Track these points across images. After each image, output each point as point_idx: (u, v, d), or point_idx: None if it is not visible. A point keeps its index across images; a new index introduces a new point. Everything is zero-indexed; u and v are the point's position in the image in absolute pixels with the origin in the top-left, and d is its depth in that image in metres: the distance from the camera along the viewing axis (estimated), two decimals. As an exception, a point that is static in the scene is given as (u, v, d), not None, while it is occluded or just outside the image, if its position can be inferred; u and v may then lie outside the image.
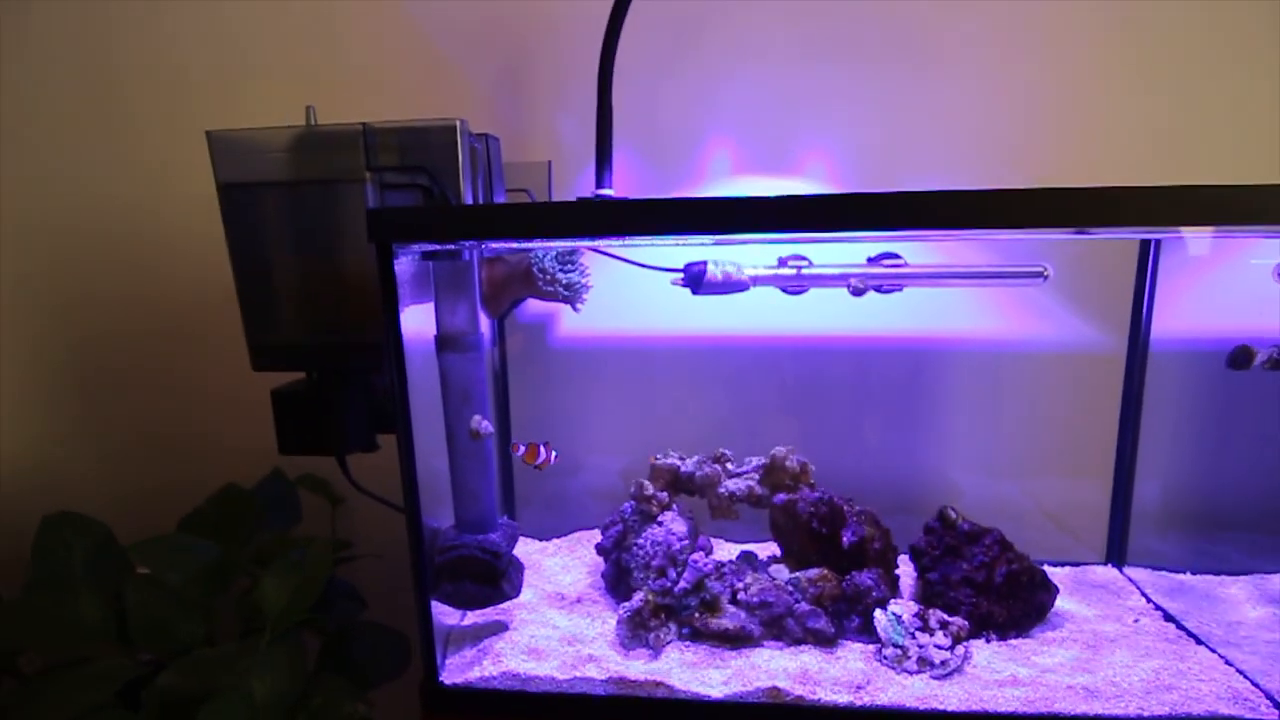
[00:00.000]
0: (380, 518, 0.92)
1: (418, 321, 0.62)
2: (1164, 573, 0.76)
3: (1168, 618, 0.71)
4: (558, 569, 0.81)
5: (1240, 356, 0.60)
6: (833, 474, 0.82)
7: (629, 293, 0.87)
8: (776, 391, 0.89)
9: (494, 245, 0.68)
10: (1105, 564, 0.81)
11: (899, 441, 0.88)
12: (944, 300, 0.85)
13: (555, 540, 0.89)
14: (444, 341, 0.62)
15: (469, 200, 0.60)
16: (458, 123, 0.58)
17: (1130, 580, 0.78)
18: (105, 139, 0.92)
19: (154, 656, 0.77)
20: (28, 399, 1.00)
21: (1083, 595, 0.75)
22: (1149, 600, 0.74)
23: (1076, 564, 0.81)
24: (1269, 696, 0.59)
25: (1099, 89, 0.82)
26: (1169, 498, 0.79)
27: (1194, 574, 0.76)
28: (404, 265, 0.58)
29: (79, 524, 0.86)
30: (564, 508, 0.93)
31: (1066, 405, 0.84)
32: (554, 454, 0.70)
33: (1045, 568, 0.78)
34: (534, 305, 0.90)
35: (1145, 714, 0.57)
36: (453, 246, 0.59)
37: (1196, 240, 0.73)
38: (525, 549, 0.87)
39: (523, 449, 0.69)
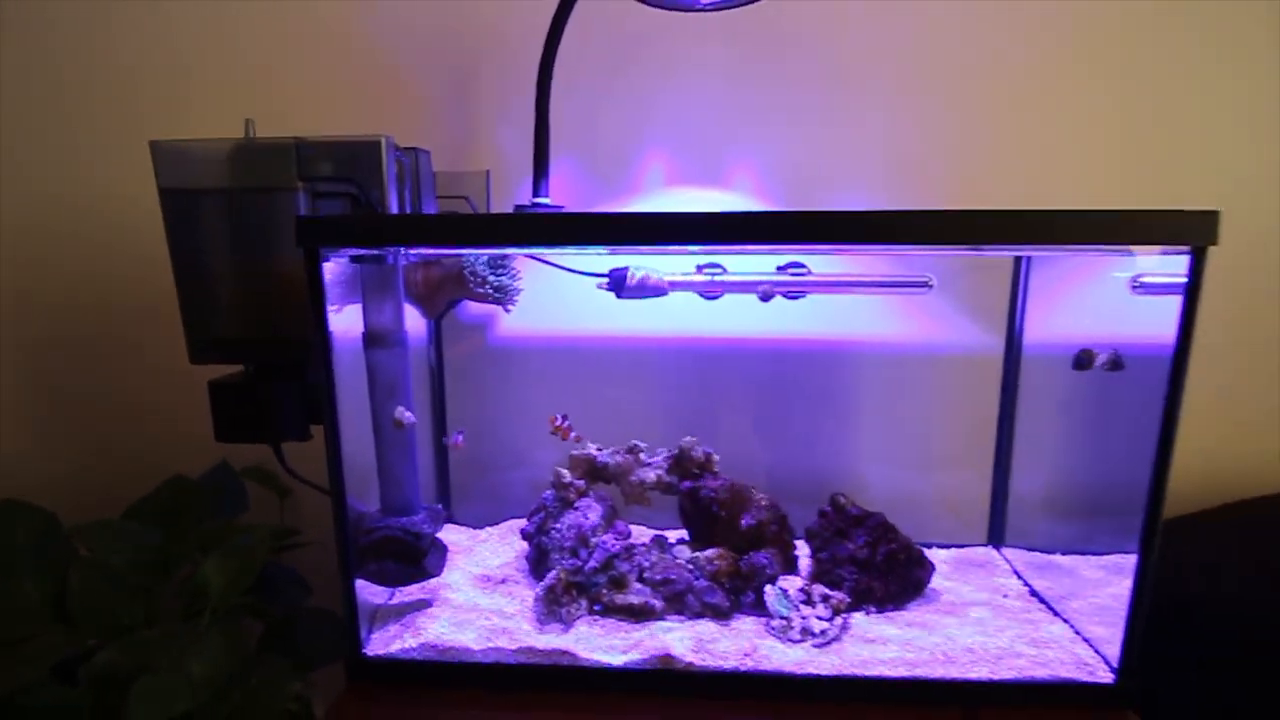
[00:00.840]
0: (326, 508, 0.96)
1: (349, 319, 0.67)
2: (1037, 553, 0.84)
3: (1033, 593, 0.79)
4: (489, 554, 0.87)
5: (1083, 359, 0.68)
6: (746, 465, 0.89)
7: (563, 295, 0.93)
8: (697, 389, 0.96)
9: (414, 251, 0.73)
10: (986, 545, 0.90)
11: (807, 435, 0.96)
12: (848, 306, 0.93)
13: (489, 528, 0.94)
14: (371, 338, 0.67)
15: (394, 209, 0.66)
16: (383, 139, 0.64)
17: (1006, 560, 0.86)
18: (50, 141, 0.95)
19: (96, 639, 0.80)
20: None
21: (961, 573, 0.83)
22: (1019, 577, 0.82)
23: (961, 545, 0.89)
24: (1107, 662, 0.67)
25: (992, 114, 0.90)
26: (1043, 486, 0.87)
27: (1063, 554, 0.85)
28: (335, 268, 0.63)
29: (22, 510, 0.88)
30: (502, 499, 0.99)
31: (955, 402, 0.92)
32: (459, 436, 0.77)
33: (933, 549, 0.86)
34: (475, 306, 0.96)
35: (994, 678, 0.65)
36: (376, 252, 0.64)
37: (1064, 255, 0.81)
38: (460, 536, 0.92)
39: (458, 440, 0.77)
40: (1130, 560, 0.63)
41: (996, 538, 0.89)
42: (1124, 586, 0.63)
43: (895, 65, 0.90)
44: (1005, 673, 0.65)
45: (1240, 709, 0.70)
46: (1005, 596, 0.78)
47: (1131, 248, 0.66)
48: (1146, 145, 0.90)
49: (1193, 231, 0.55)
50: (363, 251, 0.64)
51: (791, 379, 0.96)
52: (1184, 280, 0.56)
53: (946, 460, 0.93)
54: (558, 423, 0.77)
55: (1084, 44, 0.88)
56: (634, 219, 0.63)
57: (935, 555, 0.87)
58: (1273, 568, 0.77)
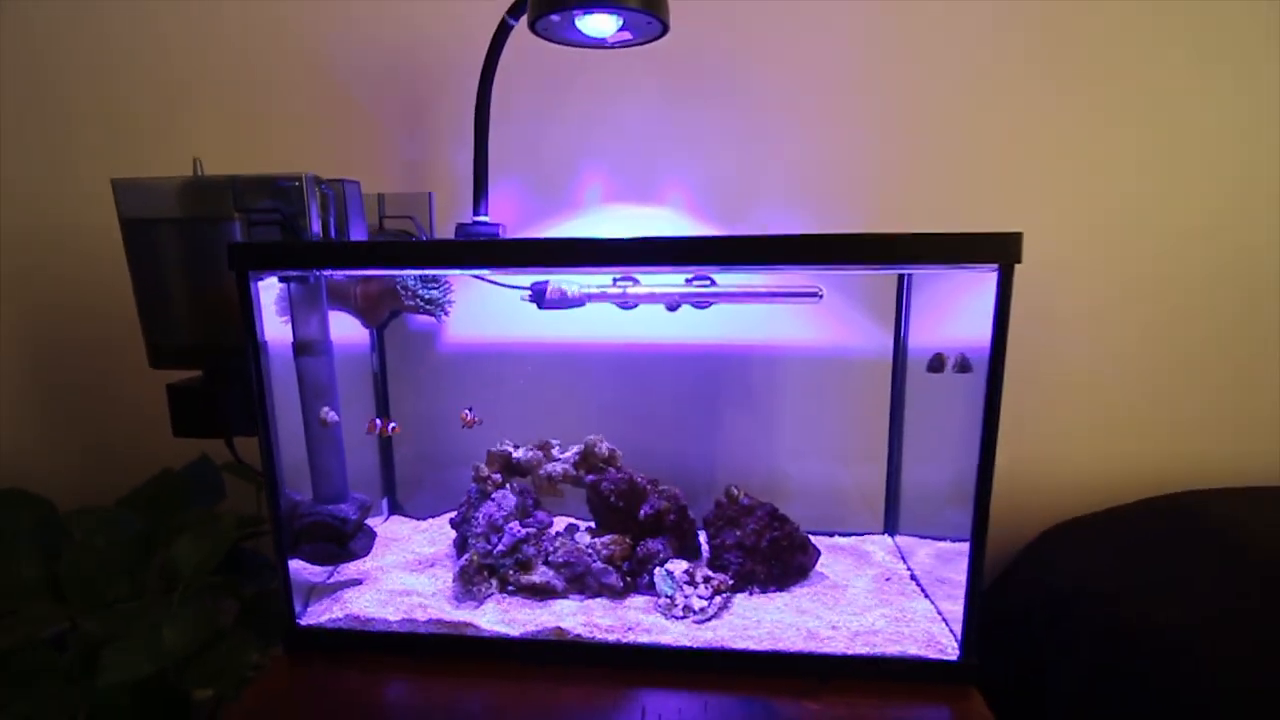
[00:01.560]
0: (295, 499, 1.07)
1: (283, 330, 0.77)
2: (929, 540, 0.90)
3: (913, 577, 0.85)
4: (424, 542, 0.96)
5: (935, 363, 0.75)
6: (659, 460, 0.97)
7: (499, 306, 1.02)
8: (618, 390, 1.04)
9: (338, 272, 0.82)
10: (883, 534, 0.96)
11: (720, 432, 1.03)
12: (758, 313, 1.00)
13: (430, 519, 1.03)
14: (299, 348, 0.77)
15: (317, 235, 0.75)
16: (304, 176, 0.73)
17: (897, 546, 0.92)
18: (54, 167, 1.08)
19: (84, 613, 0.92)
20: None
21: (851, 558, 0.90)
22: (905, 562, 0.88)
23: (861, 534, 0.96)
24: (960, 644, 0.73)
25: (901, 135, 0.97)
26: (934, 478, 0.93)
27: (952, 541, 0.91)
28: (272, 287, 0.73)
29: (24, 499, 1.01)
30: (444, 494, 1.08)
31: (855, 400, 0.99)
32: (392, 425, 0.86)
33: (834, 536, 0.93)
34: (421, 316, 1.05)
35: (848, 652, 0.72)
36: (298, 273, 0.74)
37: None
38: (402, 527, 1.01)
39: (379, 425, 0.86)
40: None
41: (892, 526, 0.96)
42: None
43: (811, 92, 0.98)
44: (859, 648, 0.72)
45: (1113, 694, 0.75)
46: (888, 580, 0.85)
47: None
48: (1052, 160, 0.96)
49: (1000, 252, 0.62)
50: (287, 272, 0.73)
51: (704, 380, 1.03)
52: (995, 294, 0.63)
53: (848, 454, 1.00)
54: (468, 416, 0.86)
55: (988, 70, 0.95)
56: (517, 245, 0.72)
57: (835, 543, 0.94)
58: (1134, 566, 0.82)
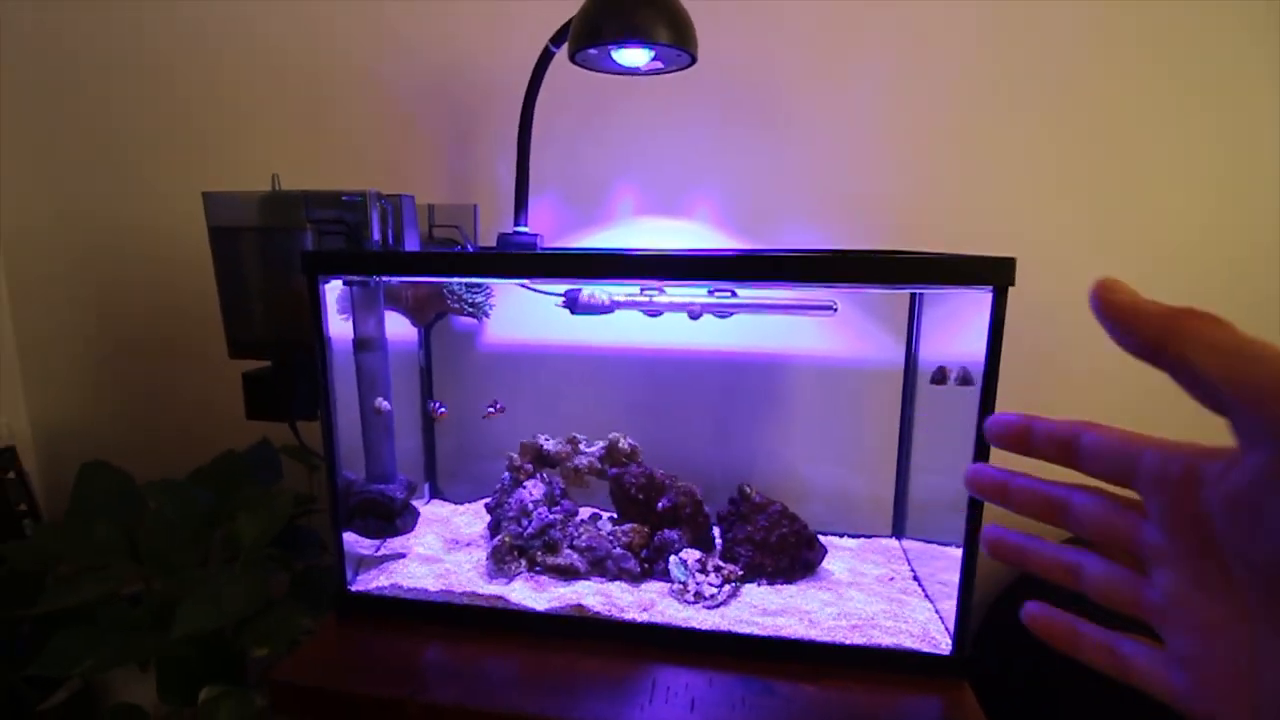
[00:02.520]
0: (342, 482, 1.17)
1: (346, 327, 0.86)
2: (935, 545, 0.95)
3: (916, 579, 0.90)
4: (462, 524, 1.05)
5: (938, 375, 0.80)
6: (680, 459, 1.04)
7: (535, 311, 1.10)
8: (643, 391, 1.11)
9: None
10: (890, 537, 1.01)
11: (737, 434, 1.09)
12: (778, 323, 1.06)
13: (467, 504, 1.12)
14: (358, 344, 0.86)
15: (377, 245, 0.85)
16: (369, 192, 0.82)
17: (903, 549, 0.97)
18: (120, 181, 1.21)
19: (157, 575, 1.03)
20: (71, 371, 1.30)
21: (859, 557, 0.95)
22: (909, 564, 0.93)
23: (869, 536, 1.01)
24: (952, 639, 0.78)
25: (925, 154, 1.02)
26: (941, 485, 0.98)
27: (956, 547, 0.95)
28: (336, 289, 0.82)
29: (108, 471, 1.13)
30: (480, 481, 1.16)
31: (867, 409, 1.04)
32: (441, 408, 0.96)
33: (844, 537, 0.98)
34: (465, 317, 1.15)
35: (841, 641, 0.77)
36: (360, 278, 0.83)
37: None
38: (443, 510, 1.10)
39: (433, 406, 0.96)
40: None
41: (899, 530, 1.00)
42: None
43: (836, 113, 1.04)
44: (856, 639, 0.77)
45: (1112, 689, 0.79)
46: (891, 579, 0.90)
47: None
48: (1083, 176, 1.00)
49: (994, 275, 0.67)
50: (351, 278, 0.83)
51: (722, 385, 1.10)
52: (990, 314, 0.68)
53: (858, 460, 1.05)
54: (494, 412, 0.95)
55: (1015, 86, 0.99)
56: (553, 259, 0.79)
57: (843, 543, 0.99)
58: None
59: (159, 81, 1.18)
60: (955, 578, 0.83)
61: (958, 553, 0.88)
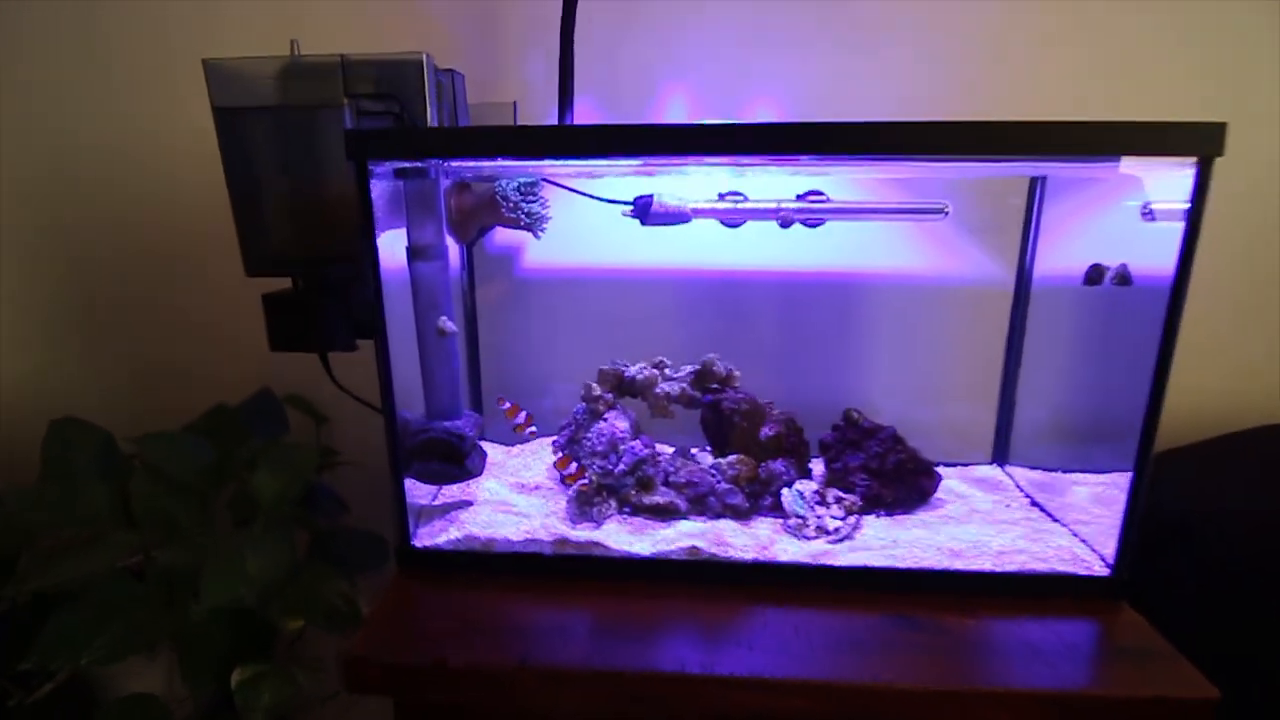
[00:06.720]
0: (360, 433, 1.02)
1: (388, 241, 0.71)
2: (1040, 470, 0.89)
3: (1034, 504, 0.84)
4: (520, 467, 0.92)
5: (1093, 274, 0.72)
6: (763, 388, 0.93)
7: (585, 226, 0.96)
8: (718, 317, 1.00)
9: (457, 166, 0.76)
10: (991, 464, 0.94)
11: (823, 360, 1.00)
12: (866, 237, 0.96)
13: (519, 446, 0.99)
14: (414, 252, 0.71)
15: (434, 125, 0.69)
16: (424, 56, 0.66)
17: (1009, 475, 0.91)
18: (96, 60, 0.98)
19: (156, 541, 0.87)
20: (29, 318, 1.08)
21: (967, 485, 0.88)
22: (1021, 490, 0.87)
23: (966, 464, 0.94)
24: (1103, 559, 0.71)
25: (1008, 51, 0.91)
26: (1048, 410, 0.91)
27: (1065, 473, 0.89)
28: (378, 187, 0.66)
29: (83, 427, 0.95)
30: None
31: (966, 331, 0.96)
32: (528, 421, 0.84)
33: (940, 466, 0.90)
34: (501, 238, 1.00)
35: (997, 569, 0.70)
36: (421, 164, 0.68)
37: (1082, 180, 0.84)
38: (493, 454, 0.97)
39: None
40: (1125, 477, 0.67)
41: (1001, 456, 0.94)
42: (1120, 498, 0.67)
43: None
44: (1008, 566, 0.70)
45: (1238, 616, 0.74)
46: (1008, 506, 0.83)
47: (1139, 174, 0.70)
48: (1174, 81, 0.91)
49: (1198, 143, 0.58)
50: (408, 164, 0.67)
51: (809, 307, 0.99)
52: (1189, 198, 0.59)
53: (955, 385, 0.97)
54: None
55: None
56: (666, 130, 0.65)
57: (945, 471, 0.92)
58: (1264, 488, 0.80)
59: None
60: (1089, 504, 0.78)
61: (1083, 478, 0.83)
